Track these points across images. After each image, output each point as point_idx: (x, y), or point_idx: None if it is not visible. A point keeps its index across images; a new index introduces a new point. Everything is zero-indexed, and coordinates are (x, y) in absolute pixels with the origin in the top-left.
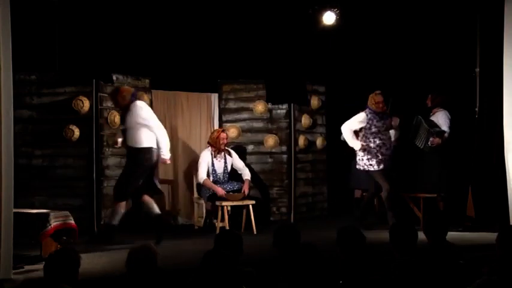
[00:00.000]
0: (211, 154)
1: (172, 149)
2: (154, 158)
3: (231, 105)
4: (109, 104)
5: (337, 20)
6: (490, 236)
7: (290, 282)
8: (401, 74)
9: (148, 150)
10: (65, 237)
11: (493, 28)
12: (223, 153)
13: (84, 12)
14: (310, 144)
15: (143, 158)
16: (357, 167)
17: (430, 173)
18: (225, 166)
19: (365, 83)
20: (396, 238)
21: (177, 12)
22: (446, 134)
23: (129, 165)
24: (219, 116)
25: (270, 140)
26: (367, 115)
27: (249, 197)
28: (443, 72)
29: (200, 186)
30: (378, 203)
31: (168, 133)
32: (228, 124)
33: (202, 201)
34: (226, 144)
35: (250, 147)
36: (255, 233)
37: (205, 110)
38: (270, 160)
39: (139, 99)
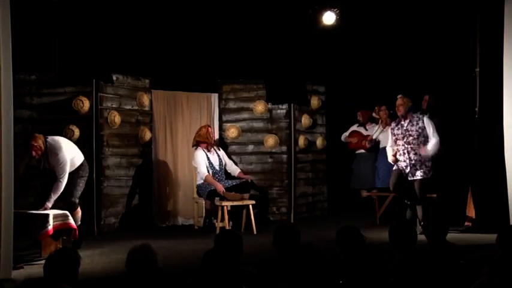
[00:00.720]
0: (204, 151)
1: (172, 149)
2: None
3: (231, 105)
4: (109, 104)
5: (337, 20)
6: (490, 236)
7: (290, 282)
8: (401, 74)
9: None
10: (65, 237)
11: (493, 28)
12: (213, 147)
13: (84, 12)
14: (310, 144)
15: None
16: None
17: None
18: (220, 159)
19: (365, 83)
20: (395, 238)
21: (177, 12)
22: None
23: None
24: (219, 116)
25: (270, 140)
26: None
27: (249, 197)
28: (443, 72)
29: (199, 186)
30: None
31: (168, 133)
32: (228, 124)
33: (202, 201)
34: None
35: (250, 147)
36: (255, 233)
37: (205, 110)
38: (270, 160)
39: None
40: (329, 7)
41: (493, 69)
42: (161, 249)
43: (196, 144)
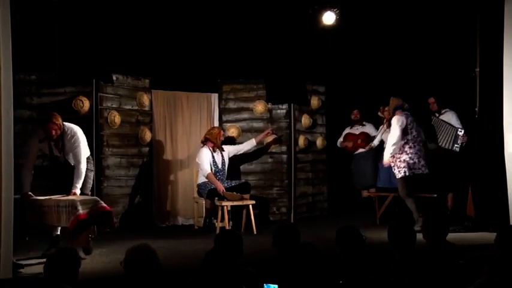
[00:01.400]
0: (210, 149)
1: (172, 149)
2: None
3: (231, 105)
4: (109, 104)
5: (337, 20)
6: (490, 236)
7: (290, 282)
8: (401, 74)
9: None
10: (91, 235)
11: (493, 28)
12: (219, 149)
13: (84, 12)
14: (310, 144)
15: None
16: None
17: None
18: (223, 159)
19: (365, 83)
20: (395, 238)
21: (177, 12)
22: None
23: None
24: (219, 116)
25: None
26: None
27: (249, 197)
28: (443, 72)
29: (200, 185)
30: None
31: (168, 133)
32: (228, 124)
33: (202, 201)
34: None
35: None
36: (255, 233)
37: (205, 110)
38: (270, 160)
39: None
40: (329, 7)
41: (493, 69)
42: (161, 249)
43: (205, 140)
